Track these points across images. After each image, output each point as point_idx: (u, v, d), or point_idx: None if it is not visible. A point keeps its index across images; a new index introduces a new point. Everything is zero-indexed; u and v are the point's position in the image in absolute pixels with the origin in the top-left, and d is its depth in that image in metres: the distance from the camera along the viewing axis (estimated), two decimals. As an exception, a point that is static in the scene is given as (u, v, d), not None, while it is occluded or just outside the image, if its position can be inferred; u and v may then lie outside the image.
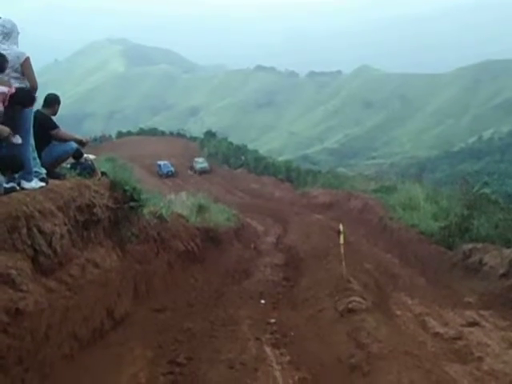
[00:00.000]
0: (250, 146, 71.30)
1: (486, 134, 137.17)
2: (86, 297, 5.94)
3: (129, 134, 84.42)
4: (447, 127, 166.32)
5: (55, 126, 6.92)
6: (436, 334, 7.30)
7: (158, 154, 61.61)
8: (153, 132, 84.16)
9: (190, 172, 57.18)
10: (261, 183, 50.77)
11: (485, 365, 5.93)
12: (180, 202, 15.98)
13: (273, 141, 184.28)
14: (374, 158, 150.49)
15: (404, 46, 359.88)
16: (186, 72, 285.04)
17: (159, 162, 55.02)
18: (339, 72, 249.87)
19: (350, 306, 7.21)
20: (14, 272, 4.41)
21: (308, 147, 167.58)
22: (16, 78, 5.83)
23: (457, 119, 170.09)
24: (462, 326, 7.80)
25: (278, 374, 5.91)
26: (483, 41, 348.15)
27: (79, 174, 7.68)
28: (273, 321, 8.74)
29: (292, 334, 7.59)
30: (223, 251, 17.43)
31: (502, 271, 10.99)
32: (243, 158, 58.27)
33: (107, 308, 6.66)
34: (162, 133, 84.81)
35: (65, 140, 7.03)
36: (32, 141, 5.98)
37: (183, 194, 18.18)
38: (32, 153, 5.94)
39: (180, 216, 13.60)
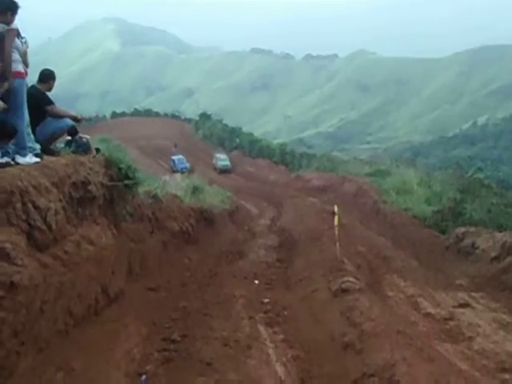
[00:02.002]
0: (245, 129, 70.99)
1: (481, 120, 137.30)
2: (81, 273, 5.94)
3: (123, 114, 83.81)
4: (442, 112, 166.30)
5: (50, 102, 6.86)
6: (428, 315, 7.37)
7: (153, 135, 61.30)
8: (147, 113, 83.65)
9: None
10: (255, 166, 50.70)
11: (475, 344, 5.99)
12: (175, 184, 15.96)
13: (267, 124, 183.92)
14: (368, 142, 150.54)
15: (400, 32, 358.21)
16: (181, 53, 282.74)
17: (173, 157, 48.37)
18: (335, 55, 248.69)
19: (343, 286, 7.26)
20: (8, 246, 4.39)
21: (303, 131, 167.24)
22: None
23: (452, 104, 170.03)
24: (454, 307, 7.87)
25: (271, 351, 5.97)
26: (479, 27, 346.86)
27: (74, 152, 7.64)
28: (266, 300, 8.80)
29: (285, 313, 7.66)
30: (217, 232, 17.46)
31: (493, 254, 11.10)
32: (238, 140, 58.08)
33: (102, 285, 6.66)
34: (157, 114, 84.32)
35: (60, 116, 6.96)
36: (27, 116, 5.92)
37: (178, 176, 18.13)
38: (26, 128, 5.90)
39: (175, 196, 13.59)
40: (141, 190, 9.24)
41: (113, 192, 7.25)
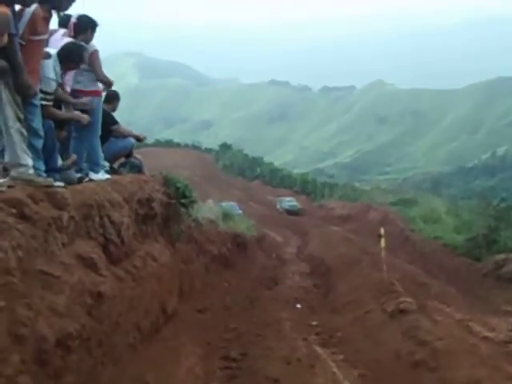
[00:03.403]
0: (264, 159, 71.59)
1: (500, 151, 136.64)
2: (147, 289, 6.00)
3: (145, 145, 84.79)
4: (460, 143, 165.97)
5: (116, 122, 7.05)
6: (485, 338, 7.23)
7: (175, 164, 61.90)
8: (168, 144, 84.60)
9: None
10: (277, 195, 50.80)
11: None
12: (208, 209, 16.06)
13: (285, 154, 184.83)
14: (387, 173, 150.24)
15: (415, 59, 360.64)
16: (200, 85, 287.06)
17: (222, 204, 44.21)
18: (353, 87, 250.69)
19: (401, 306, 7.22)
20: (95, 256, 4.50)
21: (320, 161, 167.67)
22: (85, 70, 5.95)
23: (470, 135, 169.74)
24: (510, 330, 7.74)
25: (335, 370, 5.92)
26: (493, 55, 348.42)
27: (128, 172, 7.80)
28: (315, 323, 8.76)
29: (339, 334, 7.60)
30: (249, 258, 17.47)
31: (540, 279, 10.93)
32: (259, 170, 58.40)
33: (162, 303, 6.72)
34: (178, 144, 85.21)
35: (124, 136, 7.15)
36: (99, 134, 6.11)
37: (210, 201, 18.26)
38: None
39: (211, 221, 13.67)
40: (196, 207, 9.35)
41: (169, 211, 7.37)
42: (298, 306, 10.68)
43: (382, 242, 9.68)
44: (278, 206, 44.79)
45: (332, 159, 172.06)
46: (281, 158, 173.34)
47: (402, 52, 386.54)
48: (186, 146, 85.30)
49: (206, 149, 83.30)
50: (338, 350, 6.82)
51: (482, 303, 12.05)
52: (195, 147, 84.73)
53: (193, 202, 8.01)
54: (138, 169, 8.18)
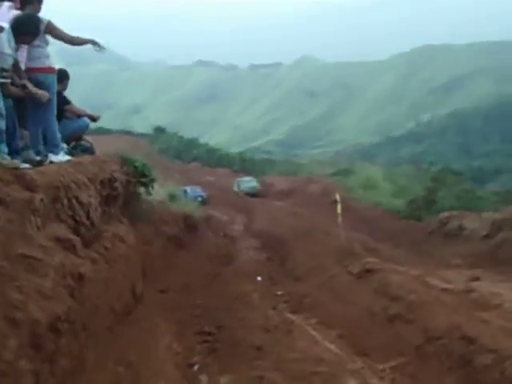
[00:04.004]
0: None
1: (424, 118, 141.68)
2: (118, 271, 5.85)
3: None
4: (387, 113, 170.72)
5: (68, 101, 6.74)
6: (445, 290, 7.55)
7: (109, 151, 60.16)
8: (99, 131, 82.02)
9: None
10: (216, 175, 50.56)
11: (507, 309, 6.18)
12: (155, 191, 15.84)
13: (219, 135, 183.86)
14: (319, 146, 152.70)
15: (341, 37, 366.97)
16: (125, 70, 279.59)
17: (186, 188, 37.70)
18: (279, 64, 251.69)
19: (367, 266, 7.41)
20: (74, 237, 4.33)
21: (254, 140, 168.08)
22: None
23: (396, 105, 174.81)
24: (466, 281, 8.12)
25: (314, 333, 6.03)
26: (417, 31, 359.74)
27: (79, 155, 7.52)
28: (280, 292, 8.88)
29: (308, 300, 7.74)
30: (200, 238, 17.36)
31: (484, 233, 11.52)
32: (195, 151, 57.82)
33: (131, 284, 6.58)
34: (109, 131, 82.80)
35: (78, 116, 6.85)
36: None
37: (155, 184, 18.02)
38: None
39: (162, 202, 13.49)
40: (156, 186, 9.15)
41: (129, 191, 7.18)
42: (259, 278, 10.77)
43: (338, 208, 9.88)
44: (235, 189, 40.25)
45: (265, 137, 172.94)
46: (215, 138, 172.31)
47: (329, 31, 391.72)
48: (118, 131, 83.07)
49: (138, 133, 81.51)
50: (310, 315, 6.95)
51: (431, 260, 12.55)
52: (127, 132, 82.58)
53: (152, 180, 7.83)
54: (89, 151, 7.90)
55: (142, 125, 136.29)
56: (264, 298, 8.32)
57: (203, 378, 5.27)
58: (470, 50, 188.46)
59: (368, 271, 7.39)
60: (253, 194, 37.91)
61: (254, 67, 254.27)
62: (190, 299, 8.73)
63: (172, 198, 19.37)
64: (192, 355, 5.89)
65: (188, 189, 37.14)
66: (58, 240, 4.24)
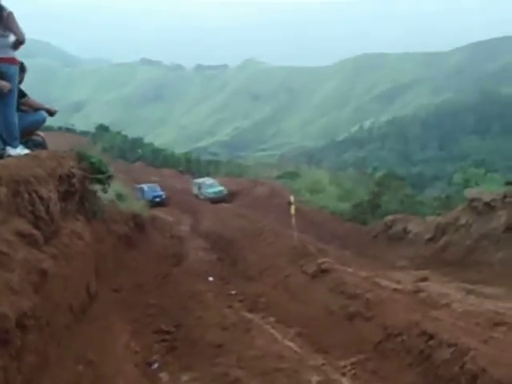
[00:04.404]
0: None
1: (367, 124, 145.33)
2: (76, 268, 5.72)
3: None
4: (331, 118, 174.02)
5: (25, 94, 6.49)
6: (396, 290, 7.78)
7: (53, 148, 58.28)
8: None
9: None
10: (161, 175, 49.97)
11: (456, 308, 6.42)
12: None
13: (164, 135, 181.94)
14: (264, 149, 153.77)
15: (288, 42, 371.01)
16: (67, 66, 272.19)
17: (142, 185, 35.47)
18: (225, 66, 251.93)
19: (322, 266, 7.55)
20: (37, 233, 4.22)
21: (199, 140, 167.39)
22: None
23: (339, 110, 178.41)
24: (415, 282, 8.40)
25: (273, 331, 6.10)
26: (359, 35, 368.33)
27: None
28: (234, 292, 8.90)
29: (263, 300, 7.79)
30: (148, 238, 17.17)
31: (428, 236, 11.93)
32: (140, 151, 56.92)
33: (87, 282, 6.45)
34: (48, 128, 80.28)
35: (35, 109, 6.62)
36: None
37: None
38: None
39: (112, 201, 13.24)
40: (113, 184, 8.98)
41: (85, 187, 7.03)
42: (211, 278, 10.76)
43: (292, 209, 10.01)
44: (195, 192, 34.82)
45: (210, 138, 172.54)
46: (160, 138, 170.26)
47: (272, 39, 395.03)
48: (59, 128, 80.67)
49: (81, 131, 79.47)
50: (267, 314, 7.01)
51: (377, 262, 12.91)
52: (69, 130, 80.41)
53: (109, 177, 7.69)
54: (41, 146, 7.68)
55: (83, 123, 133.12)
56: (218, 298, 8.33)
57: (163, 376, 5.24)
58: (408, 59, 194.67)
59: (323, 271, 7.53)
60: (217, 200, 31.63)
61: (200, 68, 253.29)
62: (143, 298, 8.64)
63: (120, 197, 19.05)
64: (150, 354, 5.85)
65: (145, 187, 34.75)
66: (21, 235, 4.13)
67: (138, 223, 16.14)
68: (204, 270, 11.74)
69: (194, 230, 23.74)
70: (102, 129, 69.60)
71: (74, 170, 6.27)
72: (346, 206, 23.66)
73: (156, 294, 9.08)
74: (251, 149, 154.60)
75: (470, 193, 10.86)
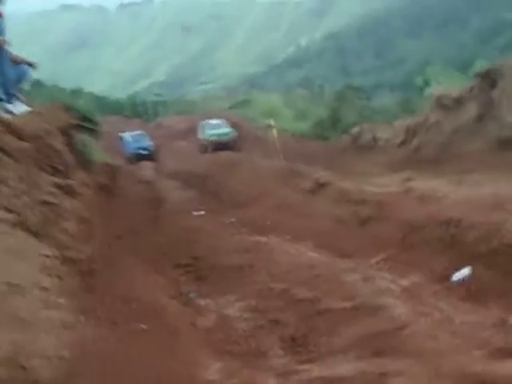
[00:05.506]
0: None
1: (303, 42, 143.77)
2: (94, 217, 5.79)
3: None
4: (266, 41, 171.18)
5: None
6: (390, 193, 8.05)
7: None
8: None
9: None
10: (108, 123, 48.63)
11: (451, 199, 6.77)
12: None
13: (98, 82, 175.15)
14: (204, 83, 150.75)
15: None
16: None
17: (124, 134, 29.00)
18: (150, 0, 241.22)
19: (320, 181, 7.79)
20: (75, 184, 4.25)
21: (135, 83, 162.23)
22: None
23: (272, 32, 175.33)
24: (403, 182, 8.74)
25: (293, 246, 6.33)
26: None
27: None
28: (233, 219, 9.11)
29: (268, 222, 8.00)
30: (121, 185, 17.03)
31: (399, 140, 12.31)
32: (82, 101, 54.76)
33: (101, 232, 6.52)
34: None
35: (16, 63, 6.31)
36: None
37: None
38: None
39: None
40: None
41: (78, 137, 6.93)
42: (202, 212, 10.89)
43: (274, 132, 10.12)
44: (200, 136, 26.93)
45: (146, 79, 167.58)
46: (94, 86, 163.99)
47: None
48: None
49: (12, 91, 75.50)
50: (279, 233, 7.24)
51: (353, 173, 13.26)
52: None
53: (97, 124, 7.57)
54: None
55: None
56: (220, 228, 8.52)
57: (204, 302, 5.42)
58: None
59: (322, 185, 7.78)
60: (221, 147, 23.46)
61: (123, 6, 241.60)
62: (146, 241, 8.75)
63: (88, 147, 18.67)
64: (179, 286, 6.03)
65: (127, 136, 28.31)
66: (59, 186, 4.16)
67: (112, 172, 15.99)
68: (189, 207, 11.83)
69: (160, 172, 23.49)
70: (37, 84, 66.21)
71: (70, 121, 6.17)
72: (304, 126, 23.87)
73: (156, 235, 9.19)
74: (191, 84, 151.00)
75: (437, 90, 11.17)
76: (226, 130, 25.98)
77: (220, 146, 23.58)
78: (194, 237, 8.04)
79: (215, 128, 26.14)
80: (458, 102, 10.31)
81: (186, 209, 11.81)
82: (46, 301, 1.99)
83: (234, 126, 26.65)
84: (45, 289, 2.08)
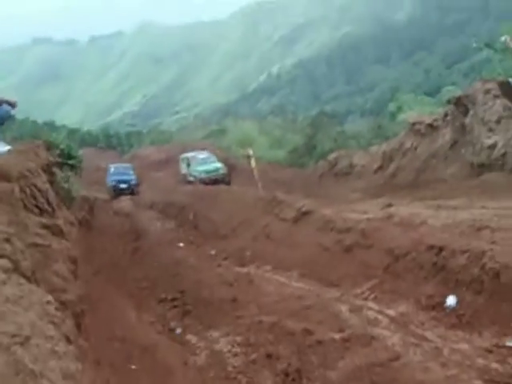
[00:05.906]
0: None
1: (274, 70, 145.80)
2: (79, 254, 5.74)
3: None
4: (238, 70, 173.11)
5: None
6: (371, 220, 8.13)
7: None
8: None
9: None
10: (83, 155, 48.27)
11: (432, 224, 6.85)
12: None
13: (70, 114, 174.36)
14: (177, 112, 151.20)
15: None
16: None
17: (110, 165, 27.92)
18: (120, 33, 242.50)
19: (303, 209, 7.83)
20: (61, 222, 4.21)
21: (108, 115, 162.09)
22: None
23: (244, 60, 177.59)
24: (383, 208, 8.86)
25: (275, 277, 6.35)
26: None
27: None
28: (213, 252, 9.09)
29: (248, 253, 8.02)
30: (98, 218, 16.89)
31: (376, 165, 12.49)
32: (54, 134, 54.44)
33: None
34: None
35: (-5, 103, 6.26)
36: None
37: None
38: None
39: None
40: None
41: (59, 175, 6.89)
42: (181, 244, 10.83)
43: (253, 162, 10.18)
44: (183, 172, 25.58)
45: (119, 110, 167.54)
46: (66, 119, 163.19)
47: None
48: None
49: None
50: (260, 264, 7.26)
51: (331, 200, 13.37)
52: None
53: (80, 161, 7.54)
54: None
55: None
56: (202, 260, 8.49)
57: (191, 337, 5.37)
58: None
59: (304, 213, 7.83)
60: (212, 183, 21.28)
61: (94, 39, 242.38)
62: (126, 275, 8.67)
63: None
64: (167, 322, 5.98)
65: (112, 168, 26.60)
66: (46, 227, 4.13)
67: (91, 206, 15.87)
68: (170, 238, 11.78)
69: (138, 203, 23.32)
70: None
71: (51, 159, 6.14)
72: (280, 154, 24.06)
73: (136, 268, 9.11)
74: (164, 114, 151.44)
75: (412, 117, 11.42)
76: (215, 165, 23.66)
77: (211, 182, 21.40)
78: (175, 271, 7.99)
79: (204, 164, 24.00)
80: (432, 127, 10.56)
81: (167, 240, 11.75)
82: (52, 350, 1.97)
83: (222, 160, 24.49)
84: (50, 337, 2.06)
